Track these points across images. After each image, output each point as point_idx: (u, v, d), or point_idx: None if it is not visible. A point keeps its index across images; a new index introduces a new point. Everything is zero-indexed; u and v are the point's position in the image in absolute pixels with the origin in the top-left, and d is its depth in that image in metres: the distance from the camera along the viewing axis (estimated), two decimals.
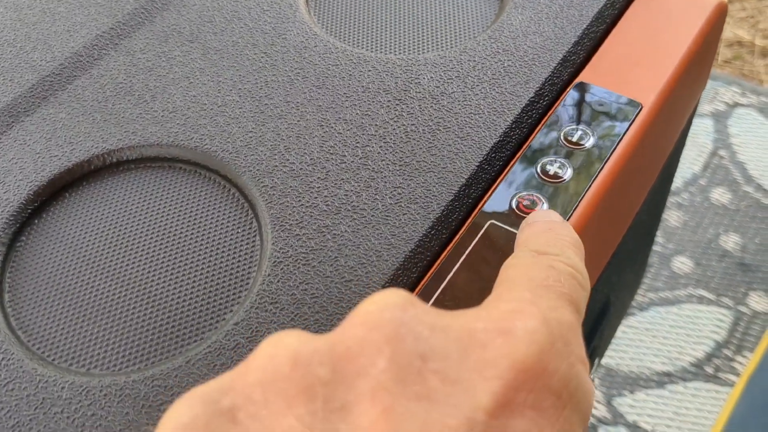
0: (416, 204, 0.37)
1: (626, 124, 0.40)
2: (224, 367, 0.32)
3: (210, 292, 0.35)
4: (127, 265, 0.36)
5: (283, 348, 0.19)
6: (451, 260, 0.35)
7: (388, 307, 0.20)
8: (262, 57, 0.45)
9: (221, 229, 0.37)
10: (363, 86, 0.43)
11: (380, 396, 0.18)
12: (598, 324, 0.62)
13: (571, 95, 0.42)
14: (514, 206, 0.37)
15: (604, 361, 1.02)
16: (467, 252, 0.35)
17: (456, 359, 0.19)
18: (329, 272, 0.35)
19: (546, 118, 0.41)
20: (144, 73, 0.44)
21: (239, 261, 0.36)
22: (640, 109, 0.41)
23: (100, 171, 0.41)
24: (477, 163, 0.39)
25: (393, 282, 0.35)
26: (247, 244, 0.37)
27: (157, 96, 0.43)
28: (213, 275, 0.36)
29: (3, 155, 0.41)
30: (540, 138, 0.40)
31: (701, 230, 1.16)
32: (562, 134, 0.40)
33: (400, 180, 0.38)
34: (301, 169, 0.39)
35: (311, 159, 0.39)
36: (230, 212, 0.38)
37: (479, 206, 0.37)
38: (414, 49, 0.46)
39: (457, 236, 0.36)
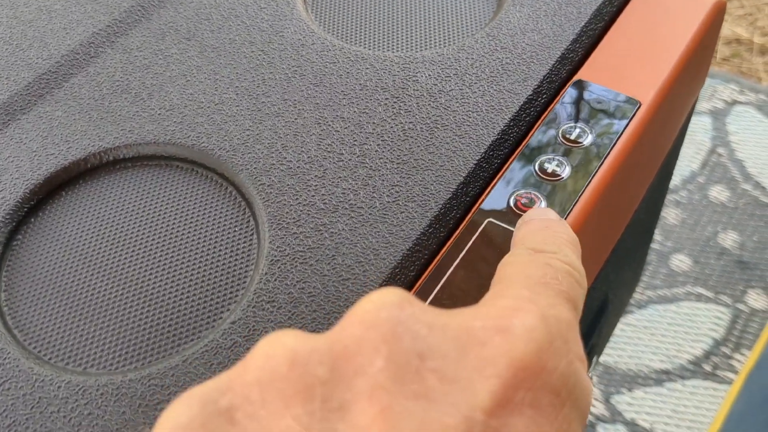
0: (414, 202, 0.37)
1: (624, 122, 0.40)
2: (221, 366, 0.32)
3: (207, 290, 0.35)
4: (124, 263, 0.36)
5: (280, 347, 0.19)
6: (449, 258, 0.35)
7: (385, 305, 0.20)
8: (259, 55, 0.45)
9: (218, 227, 0.37)
10: (361, 84, 0.42)
11: (378, 395, 0.18)
12: (597, 322, 0.62)
13: (569, 93, 0.42)
14: (512, 204, 0.37)
15: (603, 358, 1.02)
16: (465, 250, 0.35)
17: (454, 358, 0.19)
18: (327, 271, 0.35)
19: (544, 115, 0.41)
20: (141, 71, 0.44)
21: (236, 259, 0.36)
22: (639, 107, 0.41)
23: (97, 169, 0.40)
24: (475, 161, 0.38)
25: (391, 280, 0.34)
26: (244, 242, 0.37)
27: (154, 94, 0.43)
28: (210, 274, 0.36)
29: None
30: (538, 136, 0.40)
31: (699, 228, 1.16)
32: (560, 132, 0.40)
33: (397, 178, 0.38)
34: (298, 167, 0.39)
35: (308, 157, 0.39)
36: (227, 210, 0.38)
37: (477, 204, 0.37)
38: (412, 46, 0.46)
39: (455, 234, 0.36)
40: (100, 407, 0.31)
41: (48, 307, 0.35)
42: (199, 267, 0.36)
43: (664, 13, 0.46)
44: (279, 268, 0.35)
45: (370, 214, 0.37)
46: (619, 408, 0.98)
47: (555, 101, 0.42)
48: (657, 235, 1.15)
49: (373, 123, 0.40)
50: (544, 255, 0.25)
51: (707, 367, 1.02)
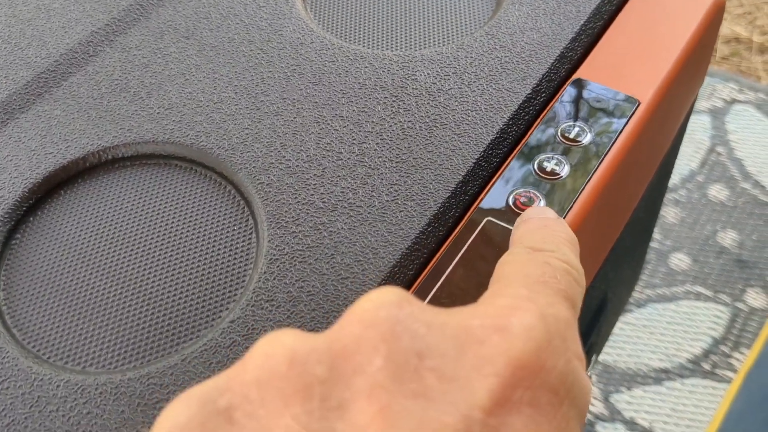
0: (413, 201, 0.37)
1: (623, 121, 0.40)
2: (220, 365, 0.32)
3: (206, 289, 0.35)
4: (123, 262, 0.36)
5: (279, 347, 0.19)
6: (448, 257, 0.35)
7: (384, 304, 0.20)
8: (258, 53, 0.45)
9: (217, 226, 0.37)
10: (360, 83, 0.42)
11: (377, 394, 0.18)
12: (596, 320, 0.62)
13: (568, 92, 0.42)
14: (511, 203, 0.37)
15: (602, 357, 1.02)
16: (464, 249, 0.35)
17: (452, 356, 0.19)
18: (326, 270, 0.35)
19: (543, 114, 0.41)
20: (139, 70, 0.44)
21: (235, 258, 0.36)
22: (638, 106, 0.41)
23: (96, 168, 0.40)
24: (474, 160, 0.38)
25: (389, 279, 0.34)
26: (243, 241, 0.37)
27: (153, 93, 0.43)
28: (209, 273, 0.36)
29: None
30: (537, 135, 0.40)
31: (698, 227, 1.16)
32: (559, 131, 0.40)
33: (396, 177, 0.38)
34: (297, 166, 0.39)
35: (307, 156, 0.39)
36: (226, 209, 0.38)
37: (476, 203, 0.37)
38: (411, 45, 0.46)
39: (454, 233, 0.36)
40: (99, 406, 0.31)
41: (47, 306, 0.35)
42: (198, 266, 0.36)
43: (663, 12, 0.46)
44: (278, 266, 0.35)
45: (369, 212, 0.37)
46: (618, 407, 0.98)
47: (554, 100, 0.42)
48: (656, 234, 1.15)
49: (372, 122, 0.40)
50: (542, 254, 0.25)
51: (706, 366, 1.02)
